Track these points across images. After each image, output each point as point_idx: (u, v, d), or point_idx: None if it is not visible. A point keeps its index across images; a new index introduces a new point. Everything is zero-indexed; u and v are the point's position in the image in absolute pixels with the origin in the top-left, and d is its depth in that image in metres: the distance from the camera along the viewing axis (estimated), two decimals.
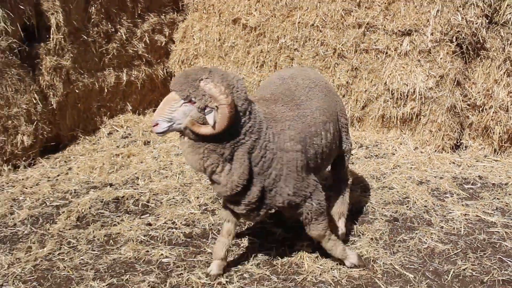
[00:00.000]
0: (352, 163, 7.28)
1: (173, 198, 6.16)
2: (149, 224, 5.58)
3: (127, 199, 6.10)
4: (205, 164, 4.04)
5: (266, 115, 4.25)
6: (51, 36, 7.11)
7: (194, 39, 8.95)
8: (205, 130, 3.90)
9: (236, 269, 4.95)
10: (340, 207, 5.20)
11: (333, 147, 4.82)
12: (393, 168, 7.10)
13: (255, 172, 4.15)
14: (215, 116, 3.83)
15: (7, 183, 6.49)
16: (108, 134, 8.21)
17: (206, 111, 3.86)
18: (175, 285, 4.61)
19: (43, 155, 7.23)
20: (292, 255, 5.15)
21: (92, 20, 7.71)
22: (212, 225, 5.59)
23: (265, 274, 4.88)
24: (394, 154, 7.46)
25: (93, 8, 7.77)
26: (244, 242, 5.43)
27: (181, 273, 4.74)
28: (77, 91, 7.62)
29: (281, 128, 4.26)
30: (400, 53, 7.50)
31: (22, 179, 6.63)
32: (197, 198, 6.13)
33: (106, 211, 5.86)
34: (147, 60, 8.78)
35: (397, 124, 7.79)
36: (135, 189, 6.39)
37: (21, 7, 6.83)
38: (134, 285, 4.71)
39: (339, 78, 7.89)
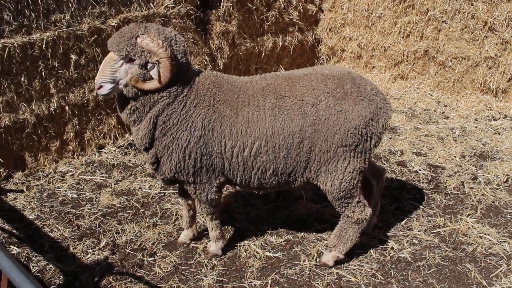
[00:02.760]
0: (498, 133, 6.85)
1: None
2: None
3: None
4: (130, 119, 3.84)
5: (199, 86, 3.83)
6: (221, 3, 7.23)
7: (342, 9, 8.79)
8: (151, 85, 3.65)
9: (404, 234, 4.76)
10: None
11: (272, 167, 3.89)
12: None
13: (155, 136, 3.84)
14: (158, 70, 3.57)
15: None
16: None
17: (148, 67, 3.59)
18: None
19: None
20: (456, 224, 4.91)
21: None
22: None
23: (434, 242, 4.66)
24: None
25: None
26: (407, 206, 5.21)
27: None
28: (240, 53, 7.73)
29: (195, 105, 3.79)
30: None
31: None
32: None
33: None
34: (300, 27, 8.73)
35: None
36: None
37: None
38: (310, 243, 4.63)
39: (487, 50, 7.46)
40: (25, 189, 5.48)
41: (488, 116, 7.37)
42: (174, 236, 4.74)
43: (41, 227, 4.86)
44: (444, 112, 7.57)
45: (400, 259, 4.46)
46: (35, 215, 5.05)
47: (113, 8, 6.16)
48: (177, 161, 3.88)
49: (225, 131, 3.81)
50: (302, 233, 4.79)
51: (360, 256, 4.48)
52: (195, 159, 3.86)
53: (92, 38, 5.95)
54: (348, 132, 3.79)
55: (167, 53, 3.55)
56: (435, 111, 7.62)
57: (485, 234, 4.77)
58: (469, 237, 4.75)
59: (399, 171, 5.91)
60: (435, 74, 8.15)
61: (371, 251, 4.54)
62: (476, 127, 7.04)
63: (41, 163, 5.86)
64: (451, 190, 5.53)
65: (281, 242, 4.67)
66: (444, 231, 4.85)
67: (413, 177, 5.79)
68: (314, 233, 4.80)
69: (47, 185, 5.59)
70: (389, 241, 4.68)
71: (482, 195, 5.43)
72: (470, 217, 5.04)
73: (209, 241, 4.53)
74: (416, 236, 4.78)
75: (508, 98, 7.59)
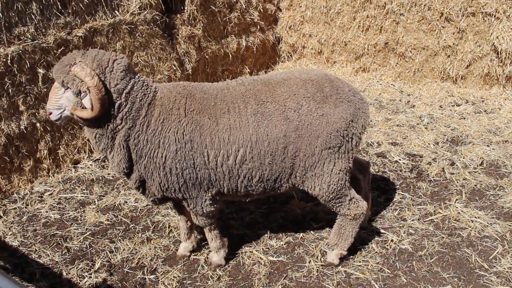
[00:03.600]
0: (464, 118, 6.90)
1: None
2: None
3: None
4: (99, 148, 3.66)
5: (163, 101, 3.60)
6: (186, 7, 6.98)
7: (300, 6, 8.69)
8: (85, 114, 3.44)
9: (400, 225, 4.66)
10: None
11: (258, 174, 3.69)
12: (507, 122, 6.68)
13: (134, 159, 3.64)
14: (91, 99, 3.38)
15: None
16: None
17: (82, 95, 3.42)
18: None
19: None
20: (446, 210, 4.86)
21: None
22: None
23: (429, 230, 4.59)
24: (500, 109, 7.10)
25: None
26: (396, 197, 5.11)
27: None
28: (206, 57, 7.47)
29: (162, 121, 3.57)
30: (509, 15, 7.06)
31: None
32: None
33: None
34: (261, 27, 8.59)
35: (501, 81, 7.45)
36: None
37: None
38: (311, 244, 4.44)
39: (445, 40, 7.54)
40: (2, 214, 5.01)
41: (451, 102, 7.46)
42: (172, 250, 4.45)
43: (27, 254, 4.44)
44: (409, 101, 7.60)
45: (402, 251, 4.37)
46: (18, 241, 4.62)
47: (78, 18, 5.74)
48: (159, 180, 3.65)
49: (205, 140, 3.59)
50: (301, 234, 4.62)
51: (363, 252, 4.36)
52: (177, 174, 3.63)
53: (59, 50, 5.52)
54: (331, 134, 3.67)
55: (93, 82, 3.34)
56: (400, 100, 7.65)
57: (475, 218, 4.77)
58: (461, 222, 4.73)
59: (380, 163, 5.85)
60: (395, 65, 8.19)
61: (373, 245, 4.43)
62: (442, 114, 7.10)
63: (15, 184, 5.39)
64: (433, 177, 5.51)
65: (282, 245, 4.48)
66: (437, 218, 4.81)
67: (395, 167, 5.75)
68: (313, 232, 4.64)
69: (26, 208, 5.15)
70: (387, 233, 4.58)
71: (464, 179, 5.44)
72: (458, 202, 5.02)
73: (210, 251, 4.28)
74: (411, 225, 4.71)
75: (467, 84, 7.72)
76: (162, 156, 3.58)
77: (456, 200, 5.07)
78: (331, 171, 3.75)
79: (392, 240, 4.49)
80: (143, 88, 3.58)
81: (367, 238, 4.50)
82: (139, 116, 3.54)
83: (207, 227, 4.05)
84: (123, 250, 4.46)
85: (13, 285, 1.96)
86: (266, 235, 4.61)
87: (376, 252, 4.36)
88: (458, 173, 5.56)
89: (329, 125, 3.65)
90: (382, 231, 4.63)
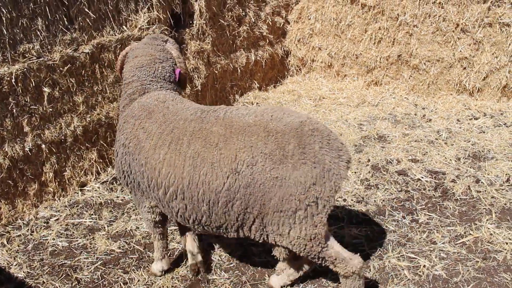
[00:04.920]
0: (483, 132, 6.63)
1: None
2: None
3: None
4: None
5: (134, 105, 3.74)
6: (195, 21, 6.70)
7: (309, 19, 8.45)
8: None
9: (430, 249, 4.38)
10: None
11: (192, 217, 3.38)
12: None
13: None
14: None
15: None
16: None
17: None
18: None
19: None
20: (478, 232, 4.59)
21: (227, 5, 7.27)
22: (383, 200, 5.12)
23: (462, 253, 4.30)
24: None
25: None
26: (422, 218, 4.84)
27: None
28: (216, 72, 7.21)
29: (124, 122, 3.72)
30: None
31: None
32: (355, 172, 5.71)
33: None
34: (270, 41, 8.35)
35: None
36: None
37: None
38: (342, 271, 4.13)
39: (460, 51, 7.31)
40: (5, 242, 4.68)
41: (469, 116, 7.19)
42: (190, 280, 4.12)
43: (34, 287, 4.10)
44: (425, 115, 7.33)
45: (436, 277, 4.06)
46: (24, 272, 4.28)
47: (85, 34, 5.45)
48: (116, 167, 3.78)
49: (142, 161, 3.44)
50: None
51: (395, 279, 4.04)
52: (123, 172, 3.65)
53: (65, 68, 5.23)
54: (283, 199, 3.15)
55: (118, 59, 4.25)
56: (415, 114, 7.37)
57: (510, 240, 4.46)
58: (495, 245, 4.42)
59: (402, 181, 5.55)
60: (409, 78, 7.92)
61: (405, 271, 4.11)
62: (460, 128, 6.82)
63: (19, 209, 5.06)
64: (459, 196, 5.22)
65: (309, 273, 4.15)
66: (468, 240, 4.50)
67: (418, 186, 5.45)
68: None
69: (31, 235, 4.82)
70: (418, 258, 4.27)
71: (492, 197, 5.15)
72: (489, 223, 4.73)
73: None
74: (442, 249, 4.39)
75: (483, 96, 7.46)
76: (117, 150, 3.70)
77: (487, 220, 4.77)
78: (288, 235, 3.26)
79: (424, 266, 4.18)
80: (137, 88, 3.84)
81: (398, 264, 4.19)
82: (121, 104, 3.93)
83: (153, 234, 3.97)
84: (138, 281, 4.13)
85: None
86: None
87: (409, 279, 4.04)
88: (485, 190, 5.27)
89: (282, 189, 3.13)
90: (412, 255, 4.31)
